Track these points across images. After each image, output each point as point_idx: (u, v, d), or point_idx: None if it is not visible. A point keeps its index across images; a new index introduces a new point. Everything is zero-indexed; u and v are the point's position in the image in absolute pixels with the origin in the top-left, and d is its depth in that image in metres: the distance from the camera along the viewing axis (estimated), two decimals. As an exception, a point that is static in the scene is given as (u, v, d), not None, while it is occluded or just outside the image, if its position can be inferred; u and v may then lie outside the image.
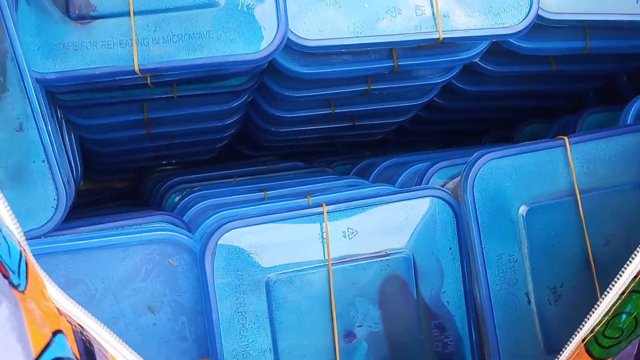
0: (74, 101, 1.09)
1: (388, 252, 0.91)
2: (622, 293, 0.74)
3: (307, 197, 1.02)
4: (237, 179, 1.34)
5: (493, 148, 0.93)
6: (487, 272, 0.90)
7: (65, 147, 1.12)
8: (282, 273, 0.88)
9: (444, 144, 1.75)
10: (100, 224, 0.99)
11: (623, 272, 0.74)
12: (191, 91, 1.12)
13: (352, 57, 1.05)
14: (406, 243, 0.91)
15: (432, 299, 0.92)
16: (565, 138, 0.94)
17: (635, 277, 0.73)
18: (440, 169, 1.07)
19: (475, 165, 0.91)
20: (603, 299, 0.74)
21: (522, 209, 0.92)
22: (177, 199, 1.24)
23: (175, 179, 1.38)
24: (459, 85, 1.30)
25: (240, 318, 0.87)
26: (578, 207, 0.93)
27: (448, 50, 1.06)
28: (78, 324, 0.63)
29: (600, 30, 1.12)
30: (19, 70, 0.84)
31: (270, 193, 1.11)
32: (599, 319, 0.74)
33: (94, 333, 0.64)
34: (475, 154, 0.92)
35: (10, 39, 0.84)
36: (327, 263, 0.89)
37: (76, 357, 0.57)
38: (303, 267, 0.88)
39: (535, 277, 0.92)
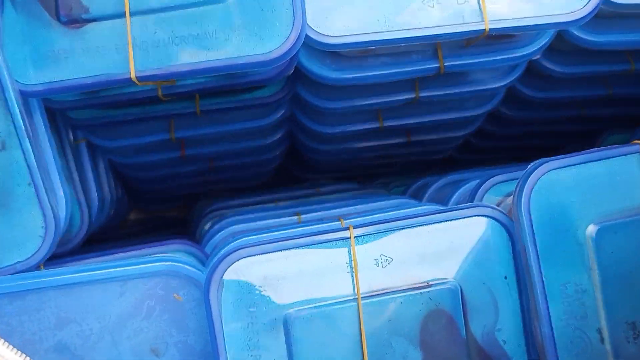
0: (88, 120, 0.99)
1: (430, 283, 0.77)
2: None
3: (340, 220, 0.89)
4: (280, 202, 1.22)
5: (553, 157, 0.78)
6: (549, 305, 0.75)
7: (80, 171, 1.02)
8: (303, 309, 0.76)
9: (517, 161, 1.58)
10: (104, 255, 0.88)
11: None
12: (216, 105, 1.01)
13: (390, 58, 0.92)
14: (452, 272, 0.78)
15: (485, 338, 0.78)
16: (641, 143, 0.79)
17: None
18: (495, 184, 0.92)
19: (531, 177, 0.76)
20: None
21: (591, 229, 0.77)
22: (207, 226, 1.13)
23: (213, 205, 1.26)
24: (525, 92, 1.15)
25: (255, 363, 0.74)
26: (660, 225, 0.77)
27: (502, 46, 0.92)
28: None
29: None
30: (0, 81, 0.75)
31: (305, 217, 0.99)
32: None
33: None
34: (532, 164, 0.77)
35: (-12, 47, 0.75)
36: (356, 296, 0.75)
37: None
38: (328, 302, 0.76)
39: (609, 311, 0.76)
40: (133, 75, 0.77)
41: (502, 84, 1.03)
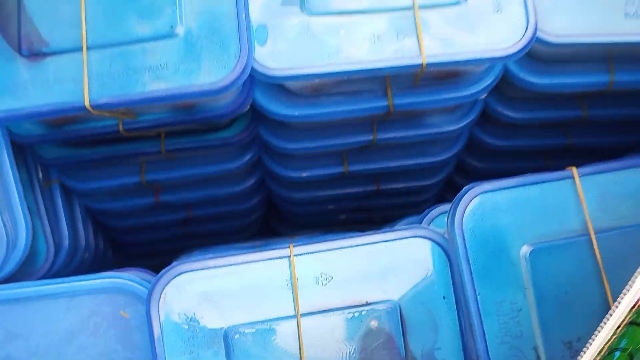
0: (58, 159, 1.04)
1: (369, 302, 0.79)
2: (618, 327, 0.61)
3: (290, 246, 0.91)
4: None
5: (486, 180, 0.81)
6: (484, 322, 0.77)
7: (52, 211, 1.06)
8: (243, 325, 0.77)
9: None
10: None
11: (619, 303, 0.61)
12: (181, 145, 1.05)
13: (342, 97, 0.96)
14: (392, 292, 0.80)
15: (424, 357, 0.79)
16: (573, 168, 0.82)
17: (633, 307, 0.60)
18: (443, 213, 0.95)
19: (464, 199, 0.80)
20: (596, 336, 0.61)
21: (525, 250, 0.79)
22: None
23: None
24: (485, 140, 1.18)
25: (195, 377, 0.76)
26: (593, 248, 0.79)
27: (448, 86, 0.96)
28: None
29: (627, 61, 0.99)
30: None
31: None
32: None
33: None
34: (465, 187, 0.81)
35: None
36: (296, 314, 0.78)
37: None
38: (268, 319, 0.78)
39: (545, 330, 0.78)
40: (87, 104, 0.82)
41: (456, 126, 1.06)
